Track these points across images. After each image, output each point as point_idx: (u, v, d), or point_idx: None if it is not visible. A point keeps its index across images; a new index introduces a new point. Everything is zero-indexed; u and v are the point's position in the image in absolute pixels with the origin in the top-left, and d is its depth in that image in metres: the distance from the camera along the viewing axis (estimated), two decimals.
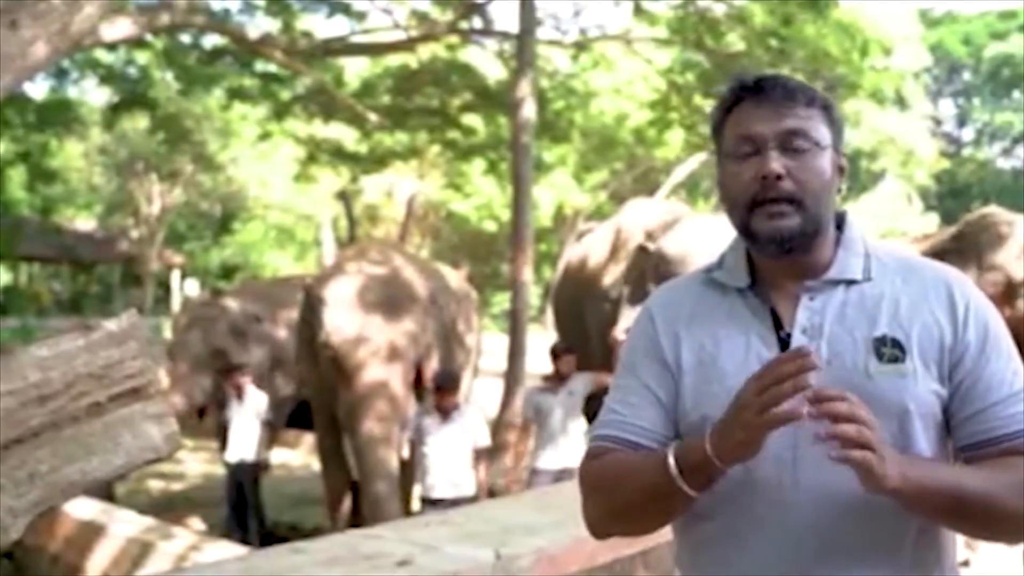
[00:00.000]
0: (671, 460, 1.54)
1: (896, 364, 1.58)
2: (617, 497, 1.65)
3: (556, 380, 7.81)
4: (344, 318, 7.70)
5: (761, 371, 1.47)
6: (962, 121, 45.79)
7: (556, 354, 7.87)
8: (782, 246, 1.62)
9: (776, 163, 1.60)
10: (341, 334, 7.64)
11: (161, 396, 2.16)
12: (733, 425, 1.47)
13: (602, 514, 1.72)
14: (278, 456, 12.07)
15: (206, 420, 10.83)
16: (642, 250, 7.97)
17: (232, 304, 10.79)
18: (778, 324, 1.65)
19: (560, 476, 7.26)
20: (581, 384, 7.73)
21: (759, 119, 1.63)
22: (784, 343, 1.62)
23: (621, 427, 1.69)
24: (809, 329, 1.62)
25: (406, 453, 7.69)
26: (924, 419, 1.59)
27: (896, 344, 1.59)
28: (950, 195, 39.12)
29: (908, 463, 1.50)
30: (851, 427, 1.41)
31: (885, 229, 27.46)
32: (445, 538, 3.50)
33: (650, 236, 8.31)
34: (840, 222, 1.73)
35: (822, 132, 1.64)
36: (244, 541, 8.80)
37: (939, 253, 7.64)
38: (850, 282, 1.66)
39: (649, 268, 7.74)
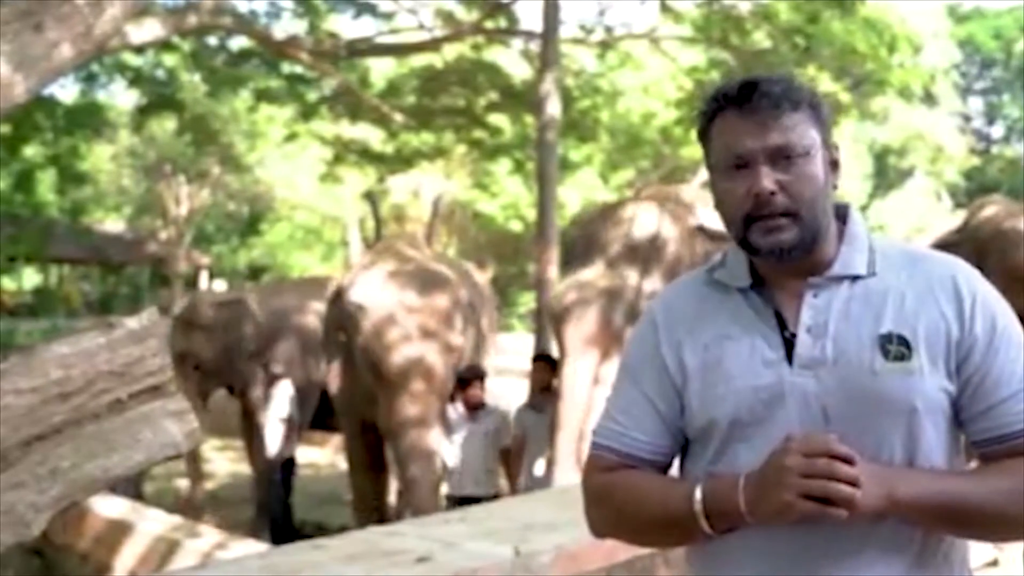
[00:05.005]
0: (697, 499, 1.55)
1: (902, 362, 1.56)
2: (633, 518, 1.67)
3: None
4: (385, 324, 7.48)
5: (807, 443, 1.46)
6: (992, 117, 45.24)
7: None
8: (783, 257, 1.60)
9: (767, 180, 1.57)
10: (382, 340, 7.45)
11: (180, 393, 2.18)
12: (774, 489, 1.46)
13: (613, 527, 1.77)
14: (305, 455, 12.12)
15: (231, 418, 10.92)
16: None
17: (261, 297, 10.88)
18: (782, 324, 1.63)
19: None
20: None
21: (746, 133, 1.59)
22: (789, 343, 1.61)
23: (621, 440, 1.70)
24: (814, 328, 1.60)
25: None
26: (933, 416, 1.57)
27: (902, 341, 1.57)
28: (980, 192, 38.63)
29: (902, 480, 1.50)
30: (816, 483, 1.43)
31: (914, 227, 27.27)
32: (465, 535, 3.51)
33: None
34: (843, 216, 1.70)
35: (811, 137, 1.61)
36: (275, 540, 8.81)
37: (944, 245, 7.59)
38: (855, 277, 1.63)
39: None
